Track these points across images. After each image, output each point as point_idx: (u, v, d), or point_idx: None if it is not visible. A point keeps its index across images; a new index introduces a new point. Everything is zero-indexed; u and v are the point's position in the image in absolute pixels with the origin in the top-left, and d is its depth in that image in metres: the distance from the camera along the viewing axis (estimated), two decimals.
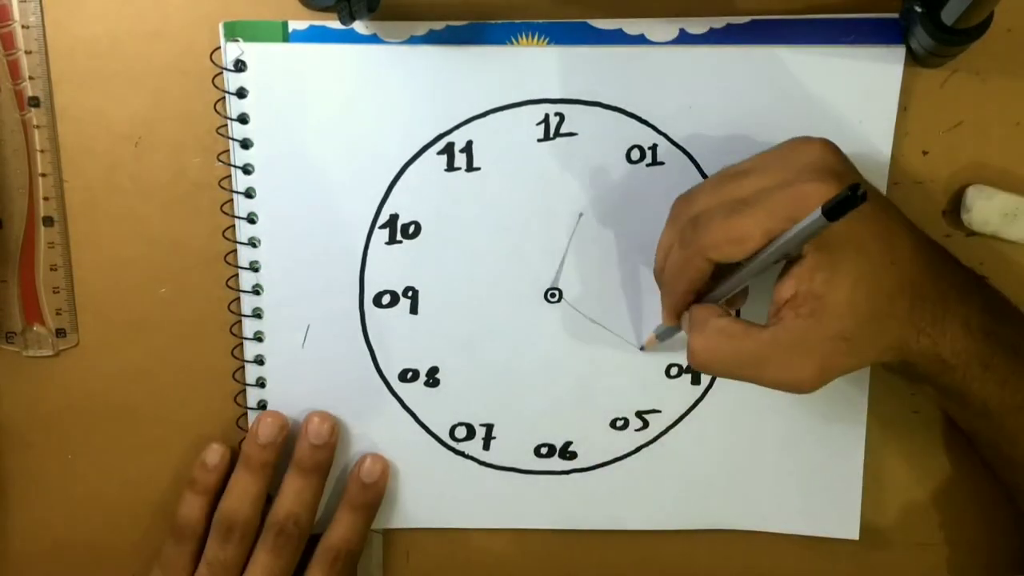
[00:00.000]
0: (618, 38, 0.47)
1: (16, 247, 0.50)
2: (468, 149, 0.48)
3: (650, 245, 0.47)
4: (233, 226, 0.49)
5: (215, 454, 0.49)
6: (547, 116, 0.48)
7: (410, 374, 0.50)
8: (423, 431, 0.51)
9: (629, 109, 0.48)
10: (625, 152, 0.48)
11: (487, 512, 0.52)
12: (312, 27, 0.47)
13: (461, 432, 0.51)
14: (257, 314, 0.50)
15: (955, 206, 0.48)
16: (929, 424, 0.51)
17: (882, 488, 0.51)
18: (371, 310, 0.50)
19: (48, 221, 0.49)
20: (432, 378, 0.50)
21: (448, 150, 0.48)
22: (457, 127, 0.48)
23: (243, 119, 0.48)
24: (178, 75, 0.48)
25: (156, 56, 0.48)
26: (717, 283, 0.43)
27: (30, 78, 0.48)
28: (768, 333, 0.41)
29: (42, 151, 0.49)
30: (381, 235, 0.49)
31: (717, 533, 0.52)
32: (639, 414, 0.50)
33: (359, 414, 0.51)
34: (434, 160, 0.48)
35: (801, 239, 0.39)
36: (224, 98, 0.48)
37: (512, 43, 0.47)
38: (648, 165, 0.48)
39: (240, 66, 0.48)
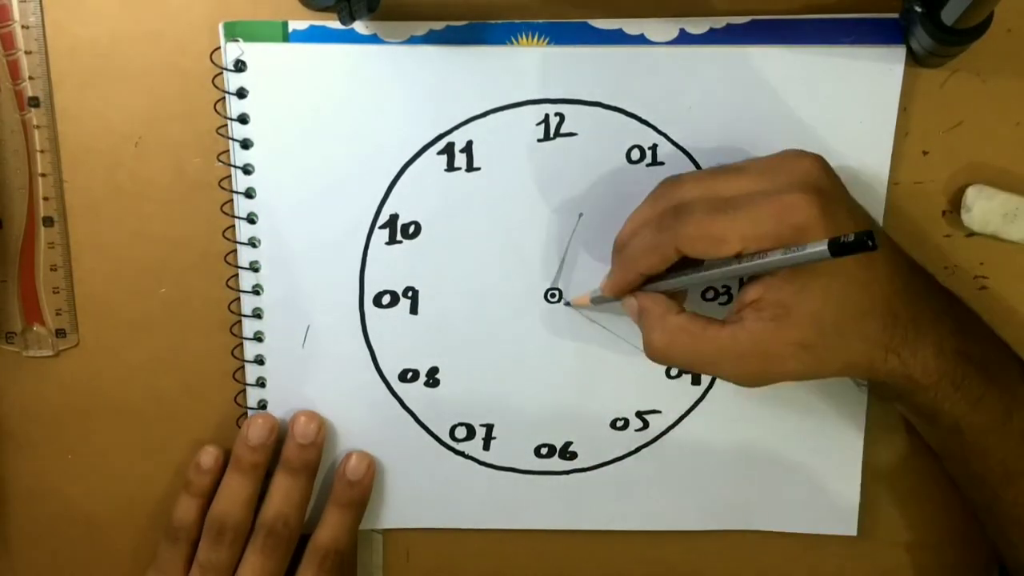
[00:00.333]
0: (618, 38, 0.47)
1: (16, 247, 0.50)
2: (468, 149, 0.48)
3: None
4: (233, 226, 0.49)
5: (209, 456, 0.49)
6: (547, 116, 0.48)
7: (410, 374, 0.50)
8: (423, 431, 0.51)
9: (629, 109, 0.48)
10: (625, 152, 0.48)
11: (487, 512, 0.52)
12: (312, 27, 0.47)
13: (461, 432, 0.51)
14: (257, 314, 0.50)
15: (955, 206, 0.48)
16: None
17: (881, 487, 0.51)
18: (371, 310, 0.50)
19: (48, 221, 0.49)
20: (432, 378, 0.50)
21: (448, 150, 0.48)
22: (457, 127, 0.48)
23: (243, 119, 0.48)
24: (178, 75, 0.48)
25: (156, 56, 0.48)
26: (670, 273, 0.43)
27: (30, 78, 0.48)
28: (727, 332, 0.41)
29: (42, 151, 0.49)
30: (381, 235, 0.49)
31: (717, 533, 0.52)
32: (639, 414, 0.50)
33: (359, 414, 0.51)
34: (434, 160, 0.48)
35: (793, 264, 0.39)
36: (224, 98, 0.48)
37: (512, 43, 0.47)
38: (648, 165, 0.48)
39: (240, 66, 0.48)
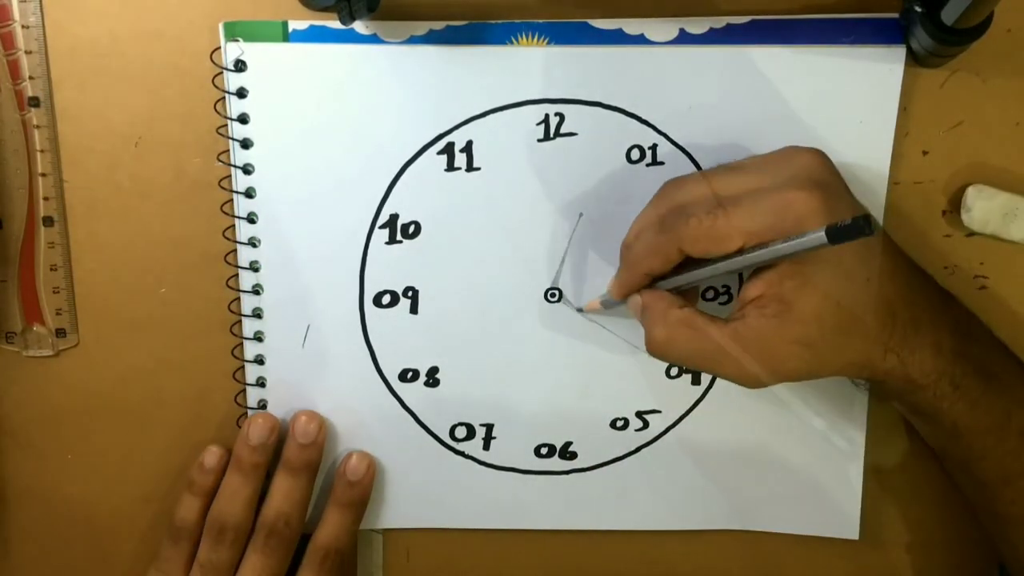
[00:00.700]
0: (618, 38, 0.47)
1: (16, 247, 0.50)
2: (468, 149, 0.48)
3: None
4: (233, 226, 0.49)
5: (213, 456, 0.49)
6: (547, 116, 0.48)
7: (410, 374, 0.50)
8: (423, 431, 0.51)
9: (629, 109, 0.48)
10: (625, 152, 0.48)
11: (487, 512, 0.52)
12: (312, 27, 0.47)
13: (461, 432, 0.51)
14: (257, 314, 0.50)
15: (955, 206, 0.48)
16: None
17: (882, 488, 0.51)
18: (371, 310, 0.50)
19: (48, 221, 0.49)
20: (432, 378, 0.50)
21: (448, 150, 0.48)
22: (457, 127, 0.48)
23: (243, 119, 0.48)
24: (178, 75, 0.48)
25: (156, 56, 0.48)
26: (676, 272, 0.44)
27: (30, 78, 0.48)
28: (730, 328, 0.41)
29: (42, 151, 0.49)
30: (381, 235, 0.49)
31: (717, 533, 0.52)
32: (639, 414, 0.50)
33: (359, 414, 0.51)
34: (434, 160, 0.48)
35: (791, 252, 0.39)
36: (224, 98, 0.48)
37: (512, 43, 0.47)
38: (648, 165, 0.48)
39: (240, 66, 0.48)
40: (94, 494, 0.52)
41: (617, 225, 0.48)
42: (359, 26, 0.47)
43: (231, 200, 0.49)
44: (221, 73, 0.48)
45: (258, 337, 0.50)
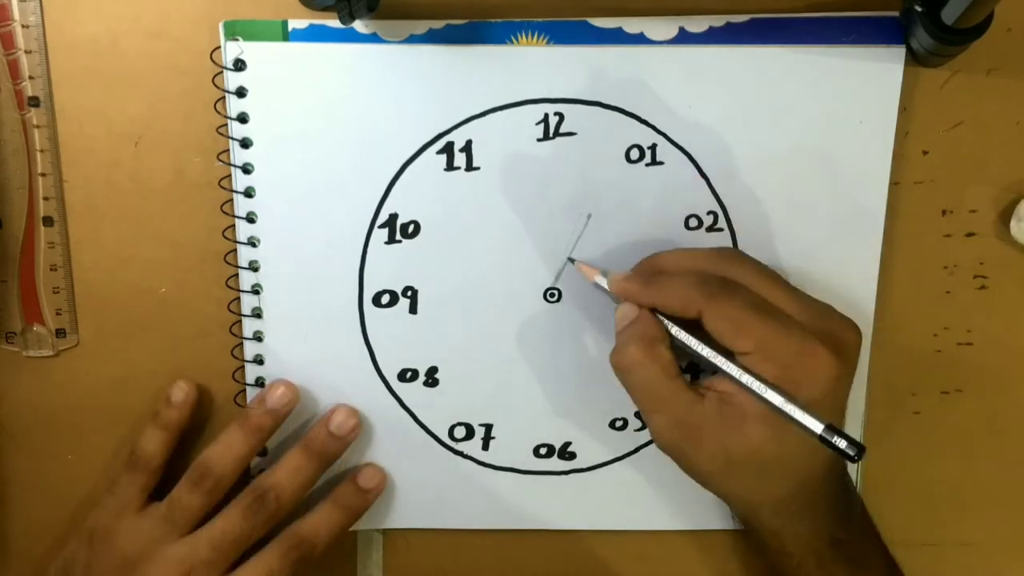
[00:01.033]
0: (618, 37, 0.47)
1: (16, 247, 0.50)
2: (467, 148, 0.48)
3: (649, 245, 0.47)
4: (233, 226, 0.49)
5: (180, 391, 0.49)
6: (546, 116, 0.48)
7: (409, 374, 0.50)
8: (422, 431, 0.51)
9: (629, 109, 0.48)
10: (624, 152, 0.48)
11: (487, 512, 0.52)
12: (312, 26, 0.47)
13: (460, 432, 0.51)
14: (257, 314, 0.50)
15: (955, 206, 0.48)
16: (929, 424, 0.51)
17: (881, 488, 0.51)
18: (370, 310, 0.50)
19: (48, 221, 0.49)
20: (431, 378, 0.50)
21: (447, 149, 0.48)
22: (456, 126, 0.48)
23: (243, 118, 0.48)
24: (178, 75, 0.48)
25: (156, 56, 0.48)
26: (676, 322, 0.44)
27: (30, 78, 0.48)
28: (686, 395, 0.43)
29: (42, 151, 0.49)
30: (380, 234, 0.49)
31: (717, 533, 0.52)
32: (639, 414, 0.50)
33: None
34: (433, 159, 0.48)
35: (781, 414, 0.41)
36: (224, 97, 0.48)
37: (512, 42, 0.47)
38: (647, 165, 0.48)
39: (240, 65, 0.48)
40: (94, 494, 0.52)
41: (616, 225, 0.48)
42: (359, 25, 0.47)
43: (231, 200, 0.49)
44: (221, 72, 0.48)
45: (257, 337, 0.50)
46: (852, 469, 0.50)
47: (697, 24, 0.47)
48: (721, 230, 0.48)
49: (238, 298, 0.50)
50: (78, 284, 0.50)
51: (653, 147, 0.48)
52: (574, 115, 0.48)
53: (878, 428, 0.50)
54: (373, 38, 0.47)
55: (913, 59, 0.47)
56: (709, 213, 0.48)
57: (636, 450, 0.51)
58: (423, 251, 0.49)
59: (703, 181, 0.48)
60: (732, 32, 0.47)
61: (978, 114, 0.48)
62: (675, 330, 0.44)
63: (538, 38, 0.47)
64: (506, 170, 0.48)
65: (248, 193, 0.49)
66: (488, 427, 0.51)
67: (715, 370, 0.43)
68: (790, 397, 0.41)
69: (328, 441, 0.49)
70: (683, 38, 0.47)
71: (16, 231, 0.50)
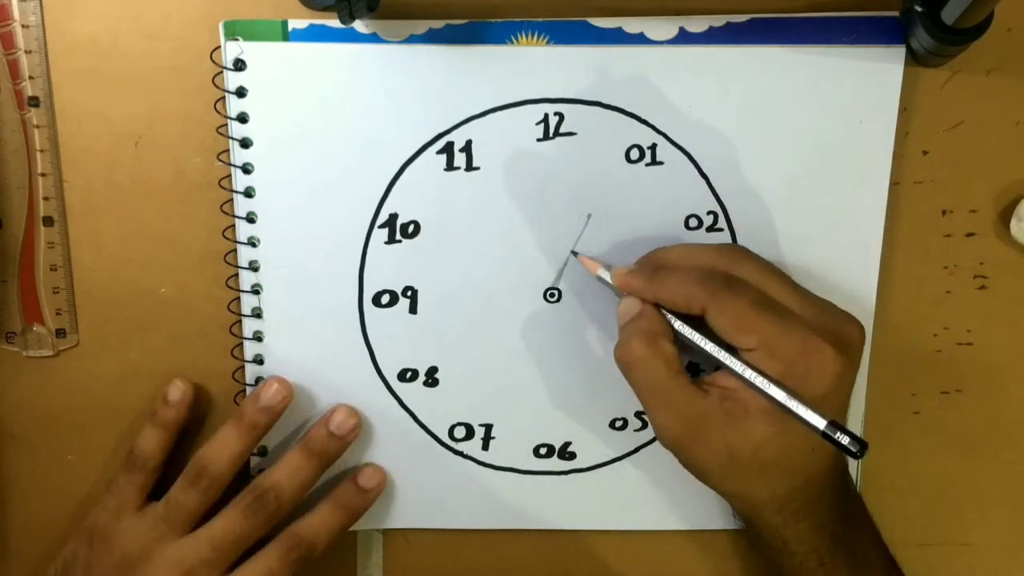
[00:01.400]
0: (618, 37, 0.47)
1: (16, 247, 0.50)
2: (467, 148, 0.48)
3: (649, 244, 0.47)
4: (233, 226, 0.49)
5: (177, 390, 0.49)
6: (546, 116, 0.48)
7: (409, 374, 0.50)
8: (422, 431, 0.51)
9: (628, 108, 0.48)
10: (624, 151, 0.48)
11: (486, 512, 0.52)
12: (312, 26, 0.47)
13: (460, 432, 0.51)
14: (257, 314, 0.50)
15: (955, 206, 0.48)
16: (929, 424, 0.51)
17: (882, 488, 0.51)
18: (370, 309, 0.50)
19: (48, 221, 0.49)
20: (431, 378, 0.50)
21: (447, 149, 0.48)
22: (456, 126, 0.48)
23: (243, 118, 0.48)
24: (178, 75, 0.48)
25: (156, 56, 0.48)
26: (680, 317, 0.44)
27: (30, 78, 0.48)
28: (689, 390, 0.43)
29: (42, 151, 0.49)
30: (380, 234, 0.49)
31: (717, 533, 0.52)
32: (639, 414, 0.50)
33: None
34: (433, 159, 0.48)
35: (784, 410, 0.41)
36: (224, 97, 0.48)
37: (512, 42, 0.47)
38: (647, 165, 0.48)
39: (240, 65, 0.48)
40: (94, 494, 0.52)
41: (616, 224, 0.48)
42: (359, 25, 0.47)
43: (231, 200, 0.49)
44: (221, 72, 0.48)
45: (257, 337, 0.50)
46: (852, 468, 0.50)
47: (697, 24, 0.47)
48: (721, 230, 0.48)
49: (238, 298, 0.50)
50: (78, 284, 0.50)
51: (653, 147, 0.48)
52: (574, 115, 0.48)
53: (878, 428, 0.50)
54: (373, 38, 0.47)
55: (913, 59, 0.47)
56: (709, 213, 0.48)
57: (636, 450, 0.51)
58: (423, 251, 0.49)
59: (703, 181, 0.48)
60: (732, 32, 0.47)
61: (978, 114, 0.48)
62: (679, 325, 0.44)
63: (538, 38, 0.47)
64: (506, 170, 0.48)
65: (248, 193, 0.49)
66: (488, 427, 0.51)
67: (718, 366, 0.43)
68: (794, 393, 0.41)
69: (328, 441, 0.49)
70: (683, 38, 0.47)
71: (16, 231, 0.50)
